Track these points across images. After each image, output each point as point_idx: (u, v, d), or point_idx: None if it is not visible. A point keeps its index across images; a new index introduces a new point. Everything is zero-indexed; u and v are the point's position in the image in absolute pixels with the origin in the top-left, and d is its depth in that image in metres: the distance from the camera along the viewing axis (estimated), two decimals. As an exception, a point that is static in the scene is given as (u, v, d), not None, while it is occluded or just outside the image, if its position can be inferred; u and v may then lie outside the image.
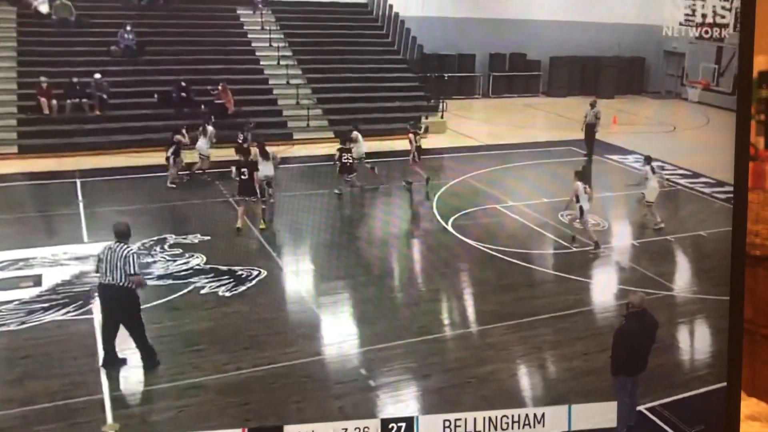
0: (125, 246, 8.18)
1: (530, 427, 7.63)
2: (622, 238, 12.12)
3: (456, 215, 12.14)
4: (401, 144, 12.78)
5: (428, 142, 13.27)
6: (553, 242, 11.73)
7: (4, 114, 11.50)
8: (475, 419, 7.52)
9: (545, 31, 13.56)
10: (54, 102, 11.45)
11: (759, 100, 10.36)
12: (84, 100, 11.62)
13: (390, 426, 7.46)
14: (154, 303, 9.25)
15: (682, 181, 13.29)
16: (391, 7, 14.17)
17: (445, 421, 7.53)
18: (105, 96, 11.70)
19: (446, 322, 9.81)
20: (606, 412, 7.86)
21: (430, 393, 8.19)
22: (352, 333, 9.36)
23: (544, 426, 7.66)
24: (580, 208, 11.27)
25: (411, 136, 12.41)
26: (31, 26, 11.89)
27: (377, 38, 14.22)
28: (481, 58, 14.54)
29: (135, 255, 8.25)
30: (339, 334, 9.26)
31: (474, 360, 8.78)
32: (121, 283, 8.11)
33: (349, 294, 10.10)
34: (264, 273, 10.09)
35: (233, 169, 11.10)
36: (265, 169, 11.47)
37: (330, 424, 7.36)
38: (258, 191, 11.13)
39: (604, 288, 10.69)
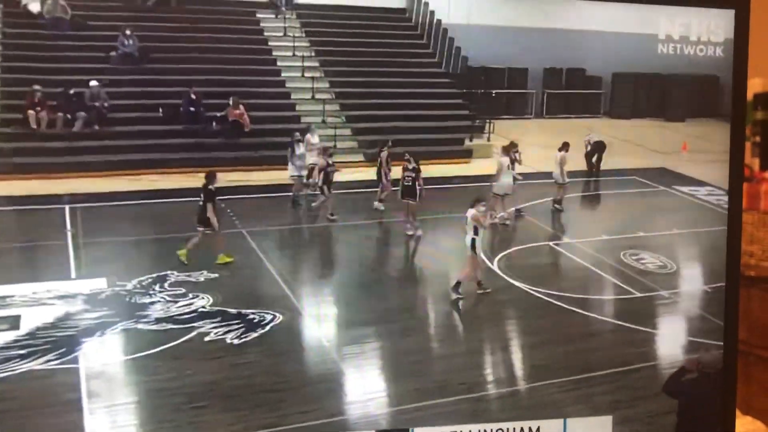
0: None
1: (526, 440, 7.67)
2: (692, 282, 11.58)
3: (502, 253, 11.84)
4: (441, 169, 12.35)
5: (472, 168, 12.90)
6: (614, 286, 11.24)
7: (-20, 129, 10.92)
8: (470, 431, 7.76)
9: (607, 43, 12.99)
10: (44, 115, 11.01)
11: (754, 122, 11.06)
12: (78, 113, 11.19)
13: (385, 439, 7.37)
14: (150, 351, 8.79)
15: None
16: (432, 13, 13.58)
17: (440, 434, 7.56)
18: (103, 108, 11.25)
19: (490, 378, 9.39)
20: (601, 426, 8.19)
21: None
22: (380, 390, 8.99)
23: (539, 439, 7.74)
24: None
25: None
26: (18, 27, 11.40)
27: (416, 48, 13.67)
28: (534, 72, 14.00)
29: None
30: (365, 391, 8.94)
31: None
32: None
33: (378, 344, 9.68)
34: (280, 318, 9.58)
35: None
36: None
37: (323, 438, 7.10)
38: None
39: (671, 340, 10.21)
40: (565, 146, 12.55)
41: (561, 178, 12.94)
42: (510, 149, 12.39)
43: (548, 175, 13.20)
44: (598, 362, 9.52)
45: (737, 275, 8.36)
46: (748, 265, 10.62)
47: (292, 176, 11.89)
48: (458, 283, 10.86)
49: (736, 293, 8.24)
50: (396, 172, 11.96)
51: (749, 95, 9.08)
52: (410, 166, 11.73)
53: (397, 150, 11.96)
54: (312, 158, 11.82)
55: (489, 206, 11.84)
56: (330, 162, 11.71)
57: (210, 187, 10.52)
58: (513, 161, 12.40)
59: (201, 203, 10.61)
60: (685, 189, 13.39)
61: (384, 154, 12.04)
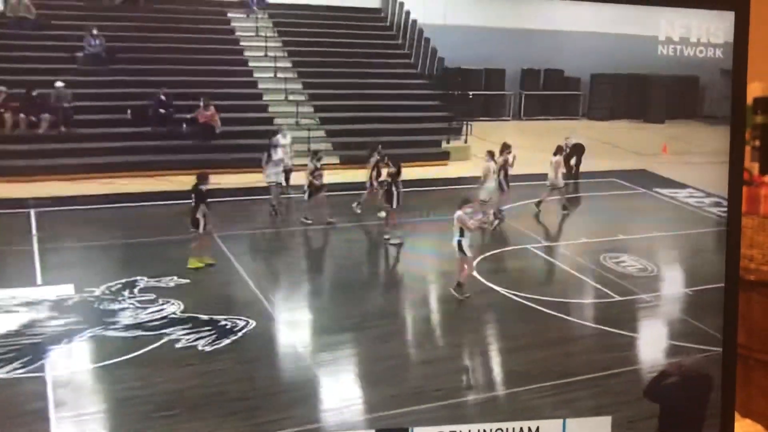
0: None
1: (525, 440, 7.67)
2: (673, 285, 11.55)
3: (480, 257, 11.63)
4: (417, 172, 12.21)
5: (449, 171, 12.81)
6: (594, 290, 11.13)
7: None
8: (470, 431, 7.92)
9: (586, 44, 12.93)
10: (7, 117, 10.86)
11: (754, 126, 11.19)
12: (43, 115, 11.04)
13: (384, 438, 7.36)
14: (119, 359, 8.67)
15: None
16: (408, 13, 13.46)
17: (440, 432, 7.52)
18: (69, 110, 11.11)
19: (468, 384, 9.33)
20: (601, 427, 8.32)
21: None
22: (356, 397, 8.91)
23: (538, 439, 7.74)
24: None
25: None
26: (-21, 26, 11.25)
27: (391, 49, 13.57)
28: (512, 74, 13.94)
29: None
30: (340, 398, 8.86)
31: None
32: None
33: (354, 350, 9.52)
34: (252, 324, 9.47)
35: None
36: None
37: (321, 437, 7.03)
38: None
39: (652, 344, 10.15)
40: (559, 150, 12.49)
41: (558, 181, 12.87)
42: (502, 151, 12.33)
43: (528, 177, 13.12)
44: (579, 366, 9.47)
45: (737, 279, 8.38)
46: (748, 269, 10.74)
47: (269, 182, 11.77)
48: (459, 284, 10.82)
49: (735, 297, 8.28)
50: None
51: (748, 99, 9.16)
52: (391, 170, 11.66)
53: (388, 153, 11.90)
54: (286, 159, 11.71)
55: (475, 209, 11.80)
56: (318, 166, 11.61)
57: (201, 187, 10.35)
58: (506, 163, 12.33)
59: (193, 205, 10.46)
60: (665, 191, 13.36)
61: (374, 158, 11.94)
